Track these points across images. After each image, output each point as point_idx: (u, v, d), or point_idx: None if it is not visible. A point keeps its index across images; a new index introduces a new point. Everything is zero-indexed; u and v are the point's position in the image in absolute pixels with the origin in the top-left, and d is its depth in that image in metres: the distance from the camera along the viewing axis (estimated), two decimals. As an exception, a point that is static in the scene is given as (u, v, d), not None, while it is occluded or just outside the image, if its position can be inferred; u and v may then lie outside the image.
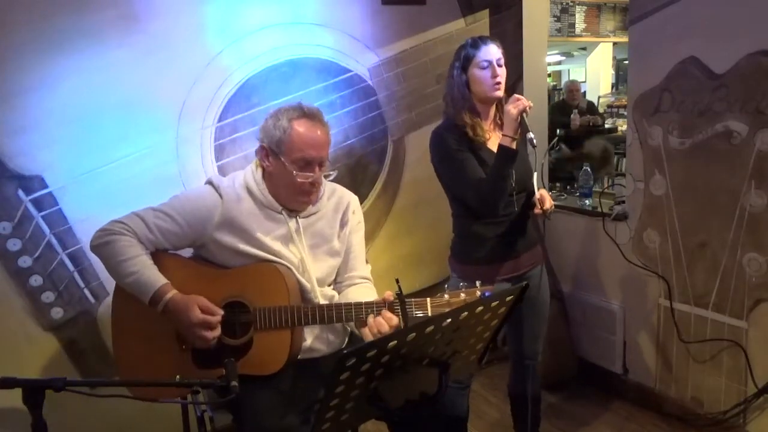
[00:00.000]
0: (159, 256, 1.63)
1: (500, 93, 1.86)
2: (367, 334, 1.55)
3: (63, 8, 1.98)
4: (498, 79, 1.83)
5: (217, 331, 1.55)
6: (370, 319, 1.55)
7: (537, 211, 1.84)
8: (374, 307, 1.57)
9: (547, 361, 2.79)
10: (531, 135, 1.73)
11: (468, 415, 2.17)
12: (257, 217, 1.65)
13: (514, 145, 1.77)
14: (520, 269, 1.97)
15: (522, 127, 1.75)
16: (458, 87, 1.88)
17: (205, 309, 1.54)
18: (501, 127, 1.92)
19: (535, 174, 1.84)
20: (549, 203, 1.85)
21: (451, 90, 1.90)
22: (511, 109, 1.75)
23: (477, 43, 1.86)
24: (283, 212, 1.67)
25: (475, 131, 1.86)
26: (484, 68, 1.83)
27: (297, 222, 1.69)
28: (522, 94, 2.99)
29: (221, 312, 1.57)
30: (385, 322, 1.53)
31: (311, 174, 1.61)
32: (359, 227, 1.84)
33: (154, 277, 1.55)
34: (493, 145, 1.88)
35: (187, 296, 1.55)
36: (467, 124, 1.86)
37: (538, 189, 1.84)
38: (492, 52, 1.84)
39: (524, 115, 1.75)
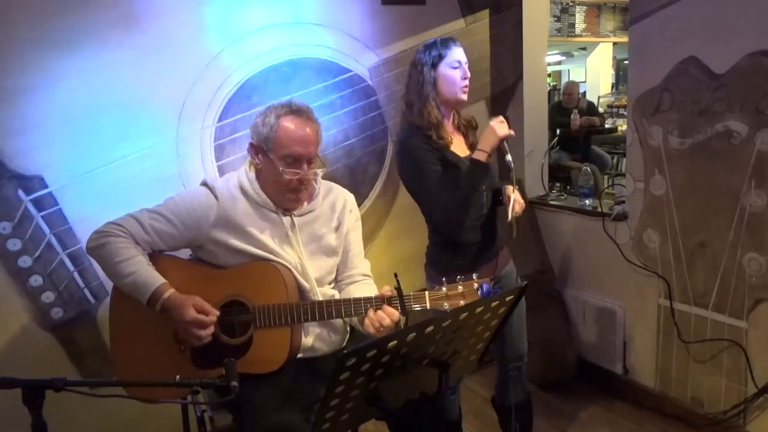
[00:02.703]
0: (156, 257, 1.63)
1: (466, 97, 1.85)
2: (369, 327, 1.55)
3: (63, 8, 1.98)
4: (467, 81, 1.83)
5: (210, 330, 1.55)
6: (371, 312, 1.55)
7: (509, 218, 1.82)
8: (373, 302, 1.57)
9: (547, 361, 2.80)
10: (509, 158, 1.76)
11: (461, 418, 2.16)
12: (253, 217, 1.65)
13: (485, 159, 1.77)
14: (498, 270, 1.97)
15: (500, 149, 1.78)
16: (428, 84, 1.82)
17: (200, 309, 1.54)
18: (460, 130, 1.94)
19: (510, 188, 1.84)
20: (519, 208, 1.83)
21: (418, 88, 1.84)
22: (498, 130, 1.76)
23: (448, 42, 1.85)
24: (278, 211, 1.67)
25: (438, 133, 1.82)
26: (455, 68, 1.82)
27: (292, 220, 1.69)
28: (522, 94, 3.03)
29: (216, 312, 1.57)
30: (387, 316, 1.54)
31: (298, 171, 1.60)
32: (357, 225, 1.84)
33: (152, 276, 1.56)
34: (456, 148, 1.88)
35: (184, 295, 1.55)
36: (432, 124, 1.81)
37: (512, 197, 1.83)
38: (462, 54, 1.85)
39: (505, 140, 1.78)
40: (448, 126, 1.90)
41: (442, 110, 1.86)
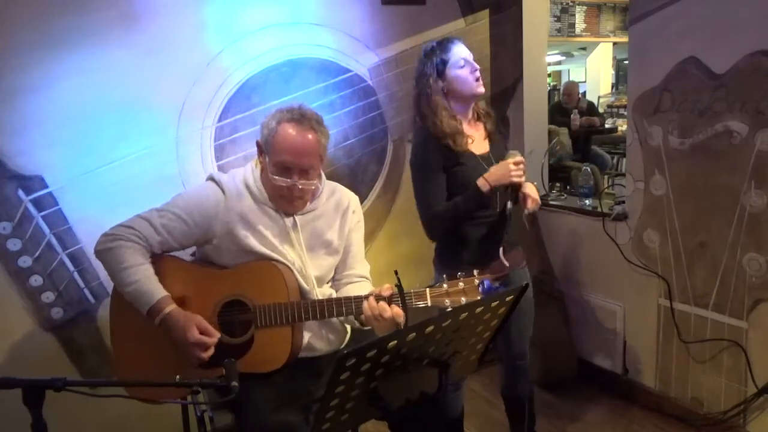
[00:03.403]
0: (158, 258, 1.62)
1: (482, 89, 1.85)
2: (367, 311, 1.54)
3: (63, 8, 1.99)
4: (477, 74, 1.83)
5: (210, 352, 1.55)
6: (372, 301, 1.54)
7: (526, 211, 1.86)
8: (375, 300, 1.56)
9: (547, 361, 2.80)
10: (510, 205, 1.78)
11: (463, 415, 2.17)
12: (256, 213, 1.65)
13: (486, 190, 1.78)
14: (504, 270, 1.96)
15: (508, 194, 1.79)
16: (436, 94, 1.83)
17: (203, 330, 1.54)
18: (480, 120, 1.94)
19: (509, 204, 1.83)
20: (534, 204, 1.84)
21: (427, 101, 1.84)
22: (512, 173, 1.76)
23: (446, 45, 1.84)
24: (279, 210, 1.67)
25: (456, 140, 1.83)
26: (462, 67, 1.82)
27: (294, 220, 1.69)
28: (522, 94, 3.03)
29: (218, 334, 1.57)
30: (392, 313, 1.53)
31: (287, 180, 1.59)
32: (359, 227, 1.83)
33: (153, 288, 1.54)
34: (475, 147, 1.89)
35: (185, 314, 1.55)
36: (447, 134, 1.82)
37: (527, 194, 1.84)
38: (463, 50, 1.84)
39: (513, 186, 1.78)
40: (466, 123, 1.89)
41: (458, 111, 1.87)
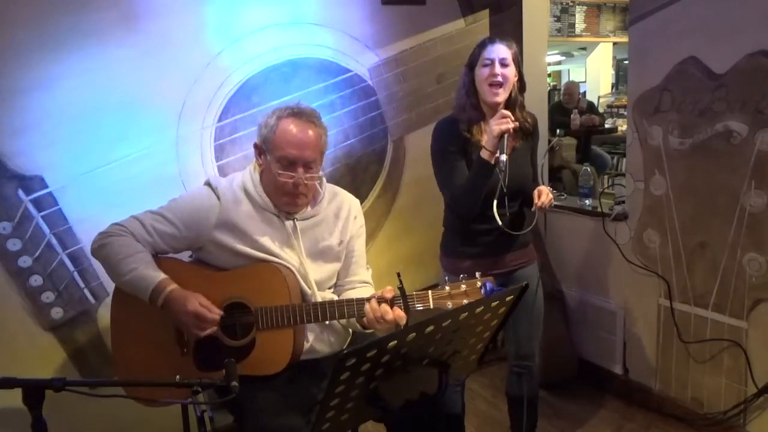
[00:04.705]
0: (157, 260, 1.62)
1: (496, 98, 1.82)
2: (369, 313, 1.53)
3: (63, 8, 1.98)
4: (495, 79, 1.80)
5: (212, 326, 1.54)
6: (374, 302, 1.54)
7: (534, 207, 1.85)
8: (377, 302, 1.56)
9: (547, 361, 2.79)
10: (503, 157, 1.74)
11: (464, 413, 2.17)
12: (254, 220, 1.64)
13: (492, 160, 1.76)
14: (506, 266, 1.97)
15: (500, 146, 1.75)
16: (462, 85, 1.90)
17: (204, 305, 1.54)
18: (516, 133, 1.92)
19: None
20: (546, 197, 1.84)
21: (458, 87, 1.93)
22: (494, 126, 1.75)
23: (485, 42, 1.87)
24: (280, 214, 1.66)
25: (470, 131, 1.87)
26: (485, 66, 1.82)
27: (294, 224, 1.68)
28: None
29: (220, 312, 1.56)
30: (393, 315, 1.52)
31: (293, 174, 1.58)
32: (361, 232, 1.82)
33: (153, 272, 1.55)
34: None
35: (188, 291, 1.55)
36: (462, 120, 1.88)
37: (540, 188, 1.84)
38: (496, 50, 1.82)
39: (506, 135, 1.74)
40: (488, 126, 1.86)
41: (484, 109, 1.88)
